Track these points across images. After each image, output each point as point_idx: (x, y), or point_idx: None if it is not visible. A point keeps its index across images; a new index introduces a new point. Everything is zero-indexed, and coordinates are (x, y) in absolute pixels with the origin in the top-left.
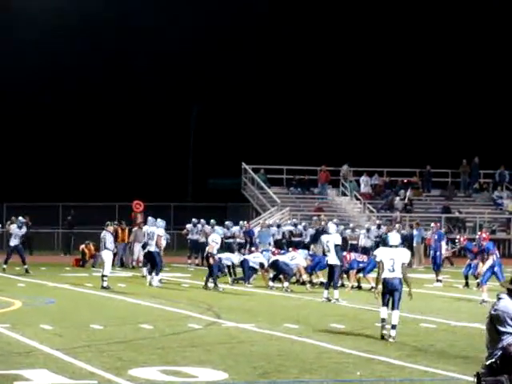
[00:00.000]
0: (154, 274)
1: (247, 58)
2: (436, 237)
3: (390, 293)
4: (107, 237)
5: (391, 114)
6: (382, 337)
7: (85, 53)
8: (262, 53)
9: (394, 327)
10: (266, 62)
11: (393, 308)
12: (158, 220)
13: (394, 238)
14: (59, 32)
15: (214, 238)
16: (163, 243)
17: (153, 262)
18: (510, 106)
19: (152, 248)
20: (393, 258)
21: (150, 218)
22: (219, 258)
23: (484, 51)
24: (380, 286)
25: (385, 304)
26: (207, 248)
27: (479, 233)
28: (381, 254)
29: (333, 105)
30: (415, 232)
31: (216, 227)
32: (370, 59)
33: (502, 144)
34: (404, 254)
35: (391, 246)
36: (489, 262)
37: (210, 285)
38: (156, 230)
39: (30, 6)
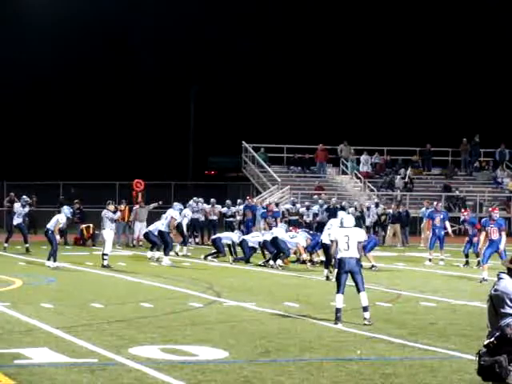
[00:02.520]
0: (161, 252)
1: (247, 37)
2: (441, 216)
3: (347, 273)
4: (108, 215)
5: (392, 92)
6: (338, 318)
7: (85, 31)
8: (262, 32)
9: (366, 309)
10: (265, 41)
11: (358, 291)
12: (175, 203)
13: (348, 219)
14: (58, 10)
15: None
16: (176, 224)
17: (164, 242)
18: (510, 84)
19: (163, 228)
20: (347, 235)
21: (175, 203)
22: (219, 238)
23: (483, 29)
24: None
25: (340, 291)
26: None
27: (490, 209)
28: (335, 233)
29: (333, 83)
30: (423, 210)
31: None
32: (369, 38)
33: (503, 122)
34: (359, 233)
35: (346, 228)
36: (503, 239)
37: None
38: (171, 212)
39: None
